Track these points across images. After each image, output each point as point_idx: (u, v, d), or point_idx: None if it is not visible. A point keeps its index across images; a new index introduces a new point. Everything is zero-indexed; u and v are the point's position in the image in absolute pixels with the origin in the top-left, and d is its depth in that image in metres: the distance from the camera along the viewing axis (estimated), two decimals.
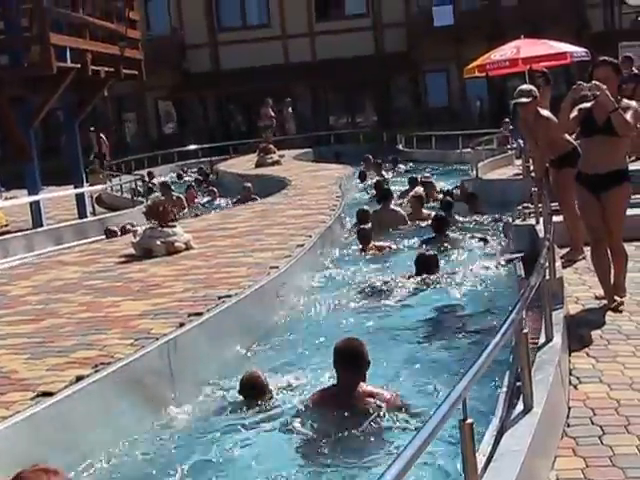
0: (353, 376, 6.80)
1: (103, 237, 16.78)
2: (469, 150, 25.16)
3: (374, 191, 20.90)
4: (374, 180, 24.07)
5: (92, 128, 34.42)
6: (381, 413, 6.58)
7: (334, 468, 6.05)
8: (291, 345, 9.11)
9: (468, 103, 44.27)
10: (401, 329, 9.56)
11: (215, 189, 25.13)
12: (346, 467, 6.03)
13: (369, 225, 14.75)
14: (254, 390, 7.31)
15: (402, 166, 30.78)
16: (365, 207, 16.88)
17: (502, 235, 14.01)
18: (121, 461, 6.37)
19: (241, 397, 7.35)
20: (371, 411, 6.58)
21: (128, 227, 15.90)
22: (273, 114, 36.19)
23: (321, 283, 12.02)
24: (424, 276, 11.34)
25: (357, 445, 6.32)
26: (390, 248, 14.27)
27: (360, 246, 14.13)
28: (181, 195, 23.50)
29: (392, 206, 16.98)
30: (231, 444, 6.51)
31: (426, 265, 11.59)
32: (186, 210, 22.12)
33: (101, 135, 35.26)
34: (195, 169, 34.81)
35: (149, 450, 6.58)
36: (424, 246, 13.65)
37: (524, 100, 10.47)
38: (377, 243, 14.27)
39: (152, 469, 6.24)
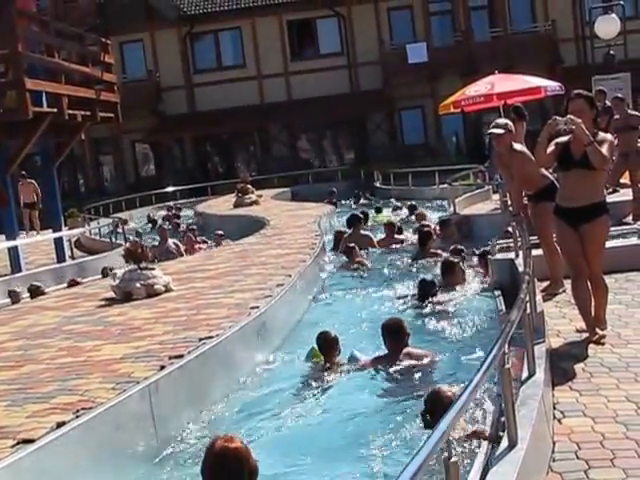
0: (397, 344, 8.85)
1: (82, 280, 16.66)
2: (446, 186, 25.22)
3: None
4: None
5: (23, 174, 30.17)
6: (425, 365, 8.65)
7: (394, 410, 7.64)
8: (276, 385, 9.08)
9: (444, 139, 44.48)
10: None
11: (222, 232, 22.29)
12: (401, 408, 7.65)
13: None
14: (327, 343, 9.26)
15: (364, 201, 32.78)
16: (341, 228, 19.79)
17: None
18: None
19: None
20: (417, 366, 8.62)
21: (33, 286, 15.62)
22: (308, 147, 36.94)
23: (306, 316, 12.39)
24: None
25: (408, 392, 8.05)
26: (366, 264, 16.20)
27: (346, 259, 16.21)
28: (177, 242, 21.79)
29: (362, 230, 18.81)
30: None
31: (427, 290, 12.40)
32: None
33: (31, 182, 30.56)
34: (159, 214, 34.91)
35: None
36: (414, 261, 15.76)
37: (499, 131, 10.49)
38: (358, 258, 16.16)
39: None
